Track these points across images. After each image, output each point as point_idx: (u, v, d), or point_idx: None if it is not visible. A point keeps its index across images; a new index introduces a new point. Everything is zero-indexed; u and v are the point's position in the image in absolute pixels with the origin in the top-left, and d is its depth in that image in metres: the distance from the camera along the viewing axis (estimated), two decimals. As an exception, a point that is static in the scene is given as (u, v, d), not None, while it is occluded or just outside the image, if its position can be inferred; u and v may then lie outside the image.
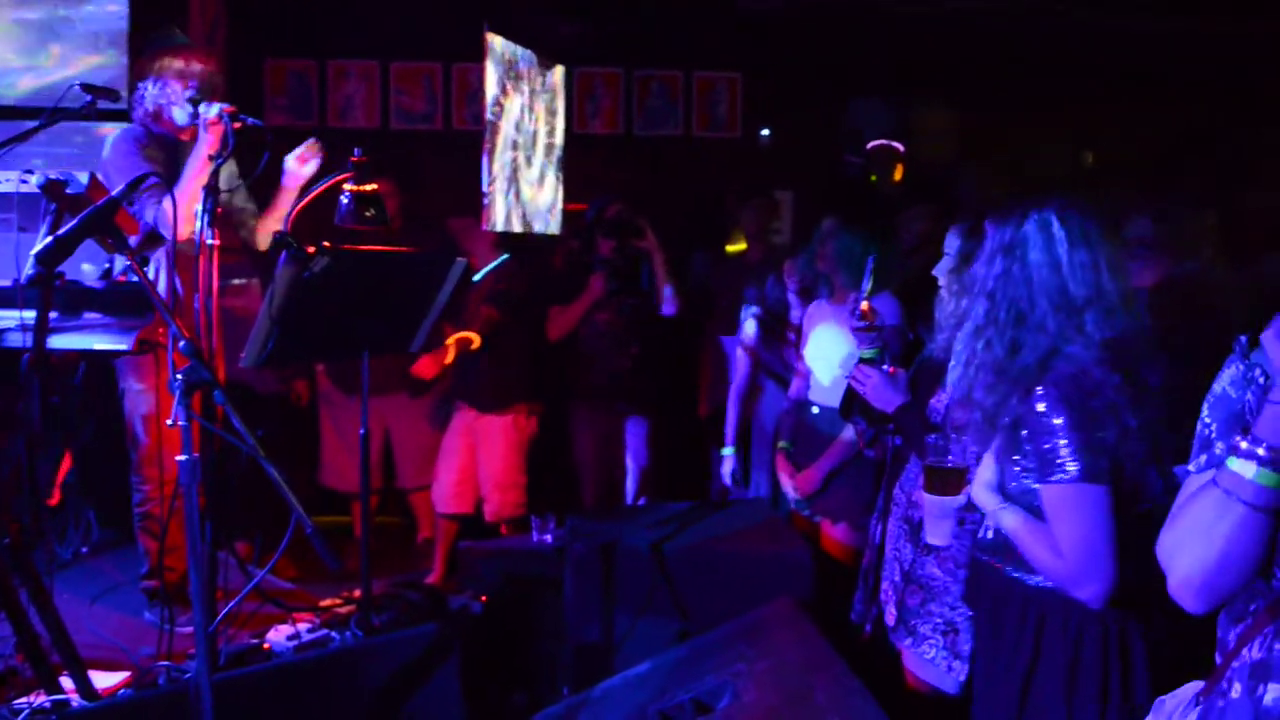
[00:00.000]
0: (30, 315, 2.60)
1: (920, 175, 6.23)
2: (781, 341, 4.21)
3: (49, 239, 2.14)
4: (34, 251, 2.14)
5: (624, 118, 6.27)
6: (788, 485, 3.70)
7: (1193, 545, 1.38)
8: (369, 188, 3.16)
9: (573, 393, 4.81)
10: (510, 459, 4.68)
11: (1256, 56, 5.80)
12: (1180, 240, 2.82)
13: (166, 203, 3.32)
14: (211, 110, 3.27)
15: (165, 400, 3.45)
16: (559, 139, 5.73)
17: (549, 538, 3.78)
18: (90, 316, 2.89)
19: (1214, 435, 1.44)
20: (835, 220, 3.59)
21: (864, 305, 2.85)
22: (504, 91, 5.14)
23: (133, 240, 3.43)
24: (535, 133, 5.50)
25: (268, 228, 3.73)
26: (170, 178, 3.39)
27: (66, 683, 2.84)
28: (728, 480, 4.21)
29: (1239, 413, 1.42)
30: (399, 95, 6.09)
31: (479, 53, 5.01)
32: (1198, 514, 1.39)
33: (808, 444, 3.67)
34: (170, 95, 3.55)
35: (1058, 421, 1.90)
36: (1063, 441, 1.89)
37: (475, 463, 4.73)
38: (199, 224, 2.86)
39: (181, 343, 2.05)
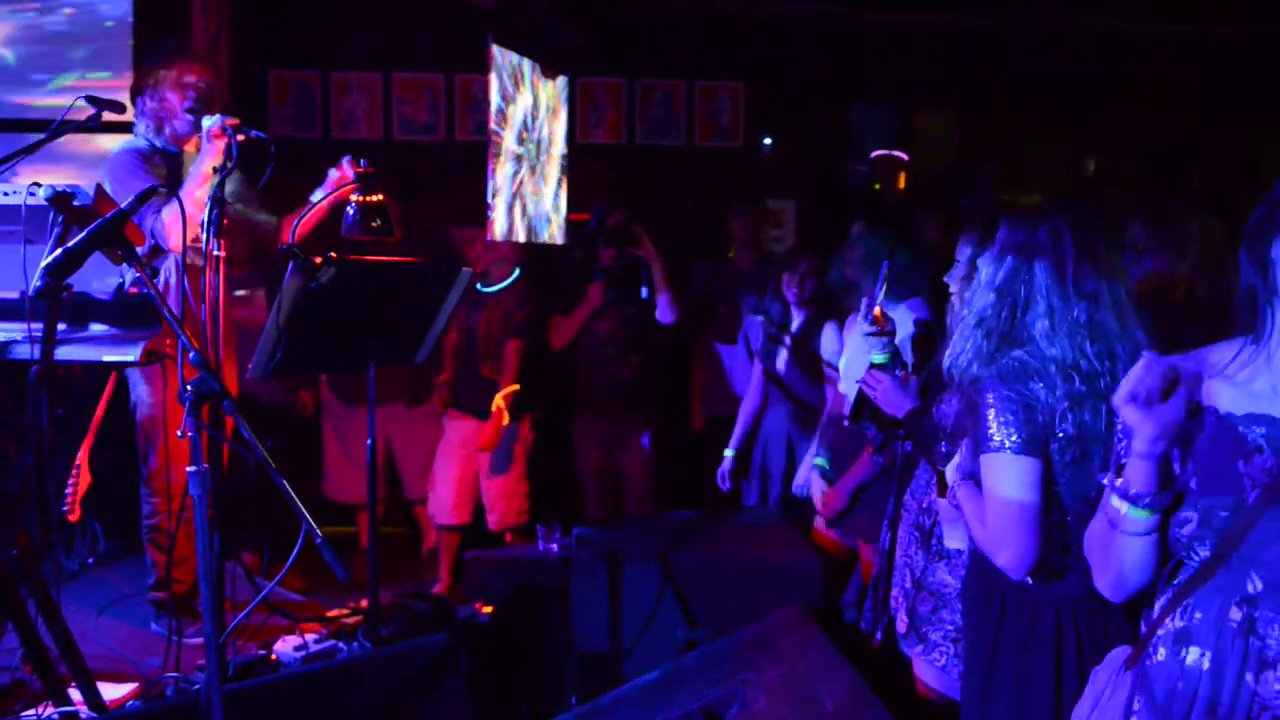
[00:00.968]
0: (38, 327, 2.61)
1: (922, 182, 6.24)
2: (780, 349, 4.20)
3: (58, 252, 2.14)
4: (43, 264, 2.14)
5: (626, 128, 6.29)
6: (819, 503, 3.67)
7: (1100, 559, 1.66)
8: (375, 198, 3.17)
9: (575, 401, 4.82)
10: (514, 468, 4.71)
11: (1257, 61, 5.82)
12: (1170, 245, 2.82)
13: (165, 213, 3.33)
14: (215, 122, 3.28)
15: (173, 411, 3.45)
16: (563, 148, 5.74)
17: (555, 547, 3.77)
18: (97, 328, 2.89)
19: (1123, 453, 1.60)
20: (862, 225, 3.56)
21: (876, 311, 2.85)
22: (507, 101, 5.16)
23: (140, 252, 3.43)
24: (540, 141, 5.51)
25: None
26: (172, 190, 3.40)
27: (74, 694, 2.84)
28: (720, 481, 4.20)
29: None
30: (401, 106, 6.11)
31: (482, 64, 5.03)
32: (1097, 533, 1.66)
33: (845, 460, 3.63)
34: (169, 107, 3.57)
35: (994, 400, 2.01)
36: (998, 418, 1.99)
37: (474, 473, 4.74)
38: (204, 235, 2.87)
39: (191, 354, 2.06)
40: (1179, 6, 5.87)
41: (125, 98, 3.54)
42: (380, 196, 3.19)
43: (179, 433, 1.99)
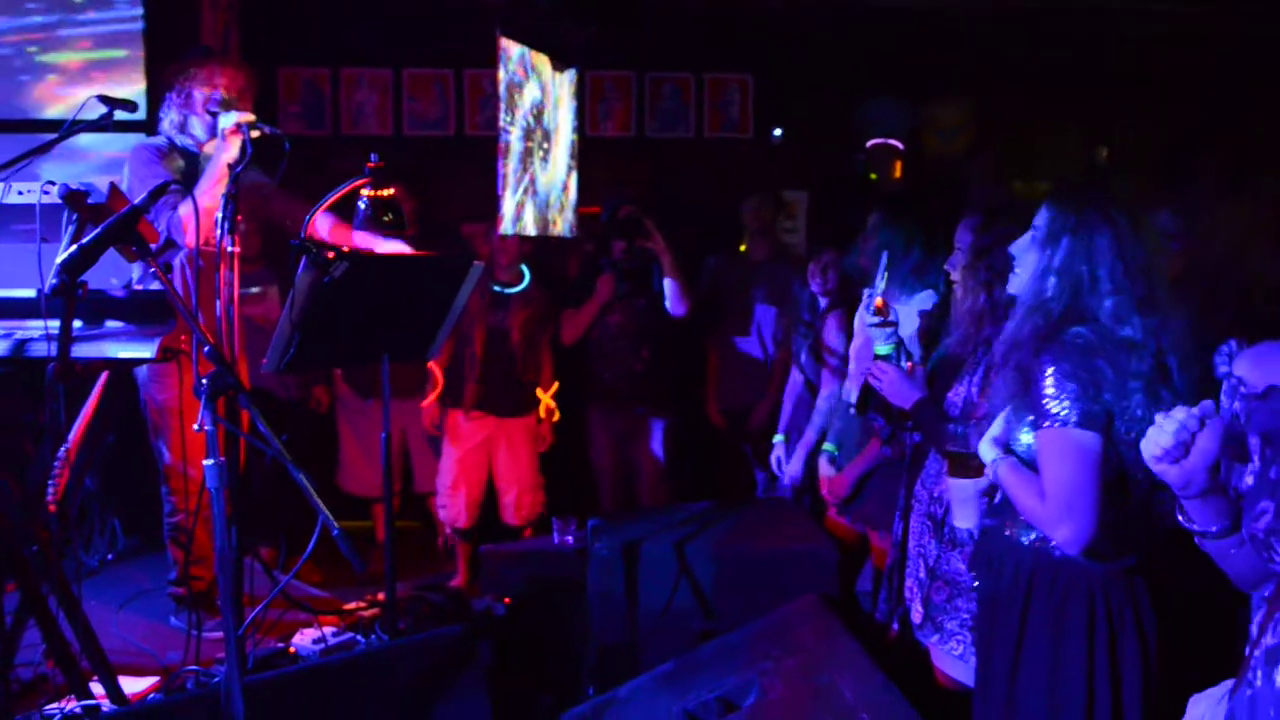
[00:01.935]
0: (54, 325, 2.62)
1: (933, 170, 6.21)
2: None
3: (73, 248, 2.16)
4: (58, 260, 2.16)
5: (635, 120, 6.27)
6: (825, 489, 3.67)
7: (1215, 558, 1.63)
8: (386, 192, 3.17)
9: (587, 395, 4.83)
10: (533, 461, 4.76)
11: (1271, 47, 5.77)
12: (1200, 230, 2.81)
13: (182, 209, 3.35)
14: (229, 119, 3.30)
15: (189, 407, 3.47)
16: (574, 140, 5.74)
17: (570, 539, 3.79)
18: (113, 325, 2.91)
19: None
20: (879, 216, 3.55)
21: (878, 301, 2.84)
22: (517, 94, 5.16)
23: (154, 248, 3.45)
24: (549, 134, 5.51)
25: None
26: (189, 187, 3.41)
27: (96, 688, 2.86)
28: (776, 469, 4.18)
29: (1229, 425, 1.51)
30: (411, 102, 6.11)
31: (491, 58, 5.03)
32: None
33: (849, 445, 3.64)
34: (194, 106, 3.59)
35: (1058, 373, 2.01)
36: (1060, 391, 2.00)
37: (485, 474, 4.76)
38: (219, 232, 2.88)
39: (206, 348, 2.07)
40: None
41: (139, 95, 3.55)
42: (392, 191, 3.19)
43: (195, 426, 1.99)
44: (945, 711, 2.57)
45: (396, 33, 5.91)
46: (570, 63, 5.66)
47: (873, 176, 6.06)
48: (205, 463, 2.02)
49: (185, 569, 3.06)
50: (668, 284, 4.56)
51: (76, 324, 2.71)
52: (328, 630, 3.24)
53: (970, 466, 2.32)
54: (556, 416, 4.80)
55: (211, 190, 3.29)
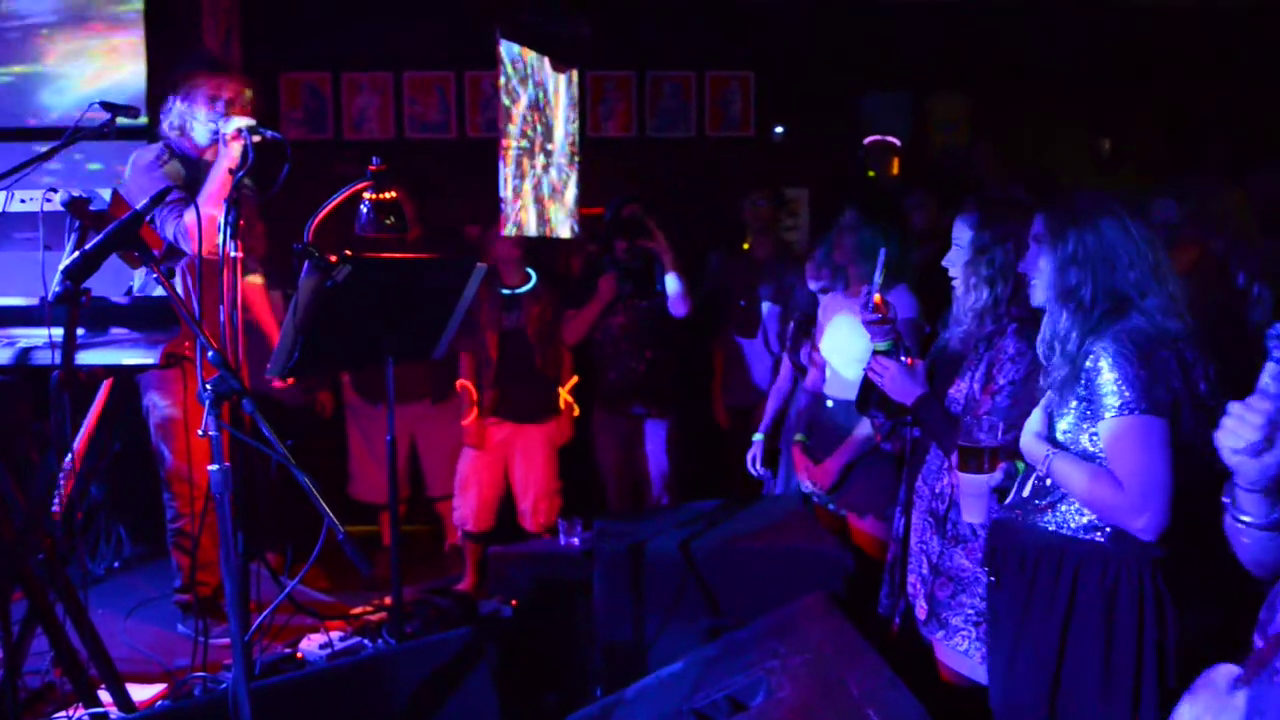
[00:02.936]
0: (58, 332, 2.62)
1: (935, 165, 6.19)
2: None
3: (76, 254, 2.16)
4: (62, 266, 2.16)
5: (637, 120, 6.28)
6: (804, 478, 3.68)
7: (1233, 541, 1.63)
8: (388, 195, 3.17)
9: (591, 396, 4.82)
10: (550, 468, 4.74)
11: (1271, 35, 5.76)
12: (1204, 219, 2.80)
13: (188, 216, 3.35)
14: (231, 125, 3.30)
15: (193, 413, 3.47)
16: (575, 141, 5.74)
17: (576, 541, 3.79)
18: (117, 332, 2.91)
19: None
20: (854, 212, 3.57)
21: (876, 298, 2.83)
22: (518, 96, 5.16)
23: (157, 255, 3.46)
24: (552, 134, 5.51)
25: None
26: (191, 195, 3.42)
27: (104, 696, 2.87)
28: (750, 467, 4.17)
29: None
30: (413, 105, 6.12)
31: (491, 60, 5.03)
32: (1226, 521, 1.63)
33: (824, 437, 3.65)
34: (197, 114, 3.59)
35: (1121, 364, 2.01)
36: (1124, 380, 2.01)
37: (502, 478, 4.75)
38: (221, 237, 2.88)
39: (210, 353, 2.07)
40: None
41: (140, 101, 3.56)
42: (394, 194, 3.19)
43: (200, 431, 1.99)
44: (949, 707, 2.57)
45: (397, 36, 5.92)
46: (571, 63, 5.66)
47: (870, 174, 6.05)
48: (210, 468, 2.02)
49: (191, 575, 3.06)
50: (670, 284, 4.55)
51: (80, 331, 2.72)
52: (335, 635, 3.24)
53: (981, 461, 2.31)
54: (576, 411, 4.80)
55: (215, 197, 3.30)
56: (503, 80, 5.01)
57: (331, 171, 3.73)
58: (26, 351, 2.83)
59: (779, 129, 6.33)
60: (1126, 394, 2.00)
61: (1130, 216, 2.14)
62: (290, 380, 3.62)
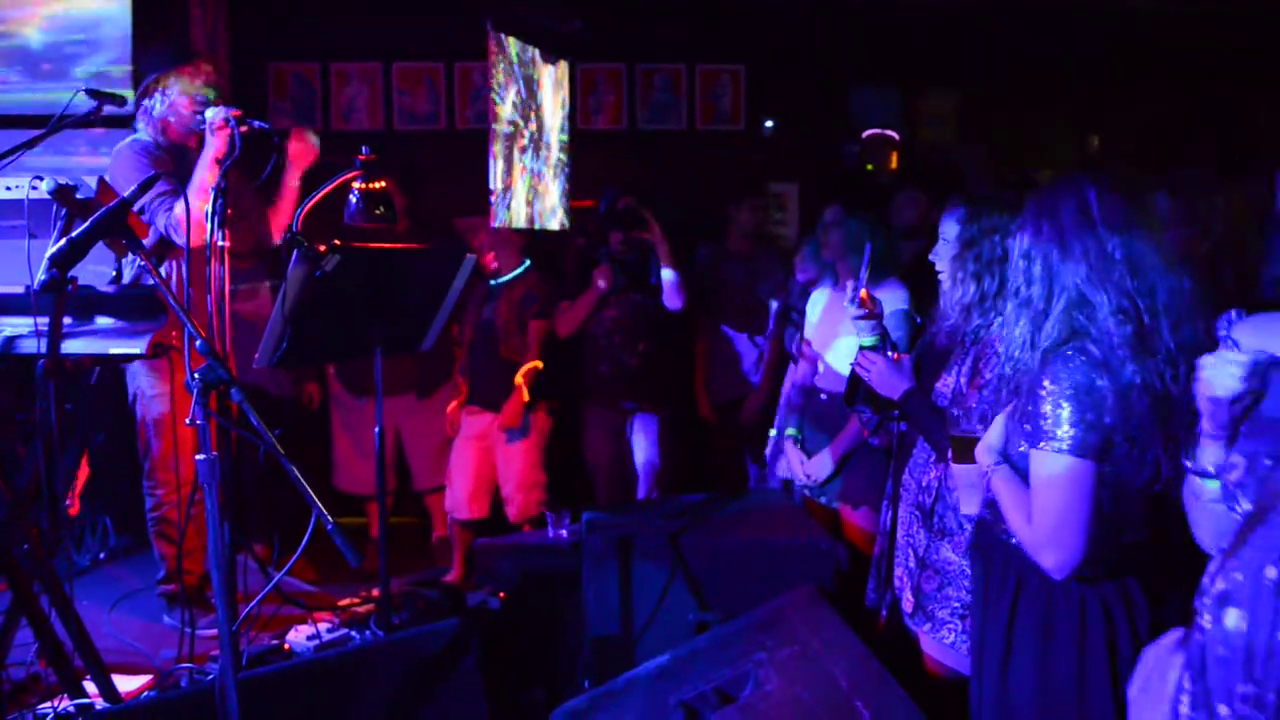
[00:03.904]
0: (43, 321, 2.60)
1: (922, 161, 6.21)
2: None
3: (62, 241, 2.14)
4: (48, 254, 2.14)
5: (627, 113, 6.26)
6: (798, 472, 3.69)
7: (1193, 521, 1.71)
8: (377, 185, 3.16)
9: (583, 390, 4.81)
10: (531, 458, 4.69)
11: (1260, 35, 5.78)
12: (1196, 216, 2.80)
13: (179, 208, 3.33)
14: (217, 114, 3.28)
15: (181, 402, 3.46)
16: (565, 134, 5.73)
17: (564, 533, 3.78)
18: (103, 321, 2.89)
19: (1198, 430, 1.63)
20: (839, 208, 3.58)
21: (862, 293, 2.84)
22: (507, 88, 5.14)
23: (147, 245, 3.45)
24: (541, 127, 5.49)
25: (280, 223, 3.76)
26: (179, 185, 3.40)
27: (90, 687, 2.85)
28: (771, 464, 4.17)
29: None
30: (402, 96, 6.10)
31: (481, 52, 5.01)
32: (1187, 500, 1.71)
33: (816, 430, 3.66)
34: (176, 112, 3.57)
35: (1057, 393, 1.94)
36: (1057, 410, 1.94)
37: (490, 466, 4.73)
38: (209, 226, 2.87)
39: (198, 342, 2.06)
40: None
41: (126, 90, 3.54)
42: (383, 183, 3.17)
43: (187, 420, 1.98)
44: (936, 699, 2.58)
45: (386, 26, 5.89)
46: (561, 55, 5.65)
47: (869, 167, 6.05)
48: (198, 457, 2.01)
49: (178, 563, 3.05)
50: (665, 276, 4.55)
51: (66, 320, 2.70)
52: (322, 626, 3.23)
53: (974, 450, 2.31)
54: (526, 397, 4.59)
55: (203, 188, 3.28)
56: (493, 72, 5.00)
57: (320, 162, 3.72)
58: (12, 340, 2.81)
59: (769, 123, 6.33)
60: (1054, 427, 1.93)
61: (1102, 195, 2.00)
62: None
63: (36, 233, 2.79)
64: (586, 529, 3.30)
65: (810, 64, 6.11)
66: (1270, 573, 1.44)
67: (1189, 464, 1.59)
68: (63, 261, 2.13)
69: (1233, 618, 1.48)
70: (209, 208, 2.88)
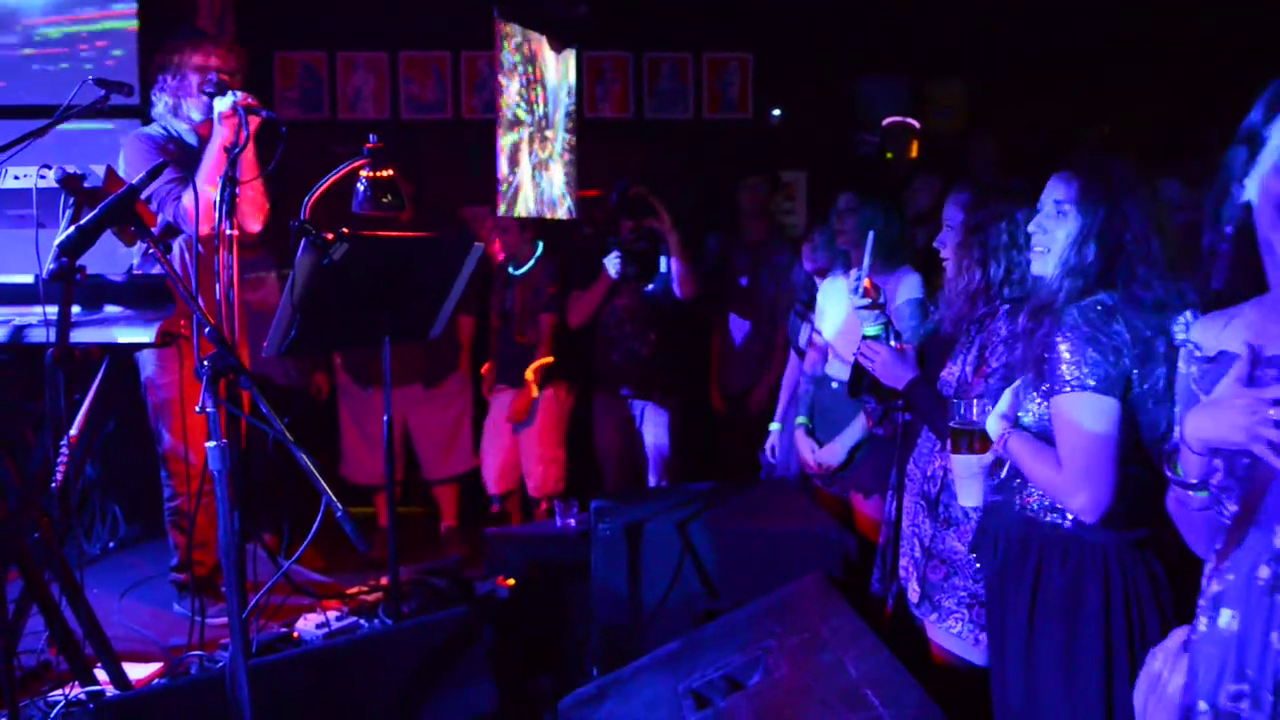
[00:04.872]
0: (52, 310, 2.60)
1: (932, 149, 6.18)
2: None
3: (71, 229, 2.14)
4: (57, 241, 2.14)
5: (634, 101, 6.25)
6: (808, 461, 3.68)
7: (1182, 526, 1.69)
8: (385, 173, 3.15)
9: (593, 379, 4.82)
10: (550, 434, 4.82)
11: (1269, 26, 5.73)
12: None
13: (187, 197, 3.33)
14: (225, 102, 3.28)
15: (190, 390, 3.46)
16: (572, 122, 5.71)
17: (573, 522, 3.79)
18: (112, 310, 2.89)
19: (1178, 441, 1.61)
20: (853, 195, 3.56)
21: (866, 282, 2.82)
22: (514, 76, 5.13)
23: (154, 232, 3.44)
24: (548, 115, 5.48)
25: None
26: (189, 174, 3.40)
27: (100, 674, 2.86)
28: (769, 457, 4.17)
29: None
30: (408, 85, 6.09)
31: (488, 40, 5.00)
32: (1172, 505, 1.68)
33: (827, 419, 3.65)
34: (187, 87, 3.57)
35: (1074, 339, 1.99)
36: (1076, 357, 1.98)
37: (515, 442, 4.89)
38: (217, 215, 2.87)
39: (207, 329, 2.05)
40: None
41: (134, 79, 3.54)
42: (390, 171, 3.17)
43: (197, 408, 1.98)
44: (943, 687, 2.57)
45: (392, 15, 5.88)
46: (568, 43, 5.63)
47: (889, 156, 6.02)
48: (207, 445, 2.00)
49: (188, 553, 3.06)
50: (674, 265, 4.54)
51: (75, 309, 2.70)
52: (331, 615, 3.24)
53: (974, 442, 2.30)
54: (535, 393, 4.77)
55: (211, 176, 3.28)
56: (500, 60, 4.99)
57: (327, 151, 3.71)
58: (21, 329, 2.81)
59: (776, 111, 6.30)
60: (1074, 370, 1.97)
61: (1152, 195, 2.10)
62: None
63: (45, 222, 2.79)
64: (595, 516, 3.30)
65: (819, 52, 6.08)
66: (1263, 572, 1.46)
67: (1172, 475, 1.59)
68: (71, 249, 2.12)
69: (1225, 618, 1.50)
70: (217, 196, 2.88)
